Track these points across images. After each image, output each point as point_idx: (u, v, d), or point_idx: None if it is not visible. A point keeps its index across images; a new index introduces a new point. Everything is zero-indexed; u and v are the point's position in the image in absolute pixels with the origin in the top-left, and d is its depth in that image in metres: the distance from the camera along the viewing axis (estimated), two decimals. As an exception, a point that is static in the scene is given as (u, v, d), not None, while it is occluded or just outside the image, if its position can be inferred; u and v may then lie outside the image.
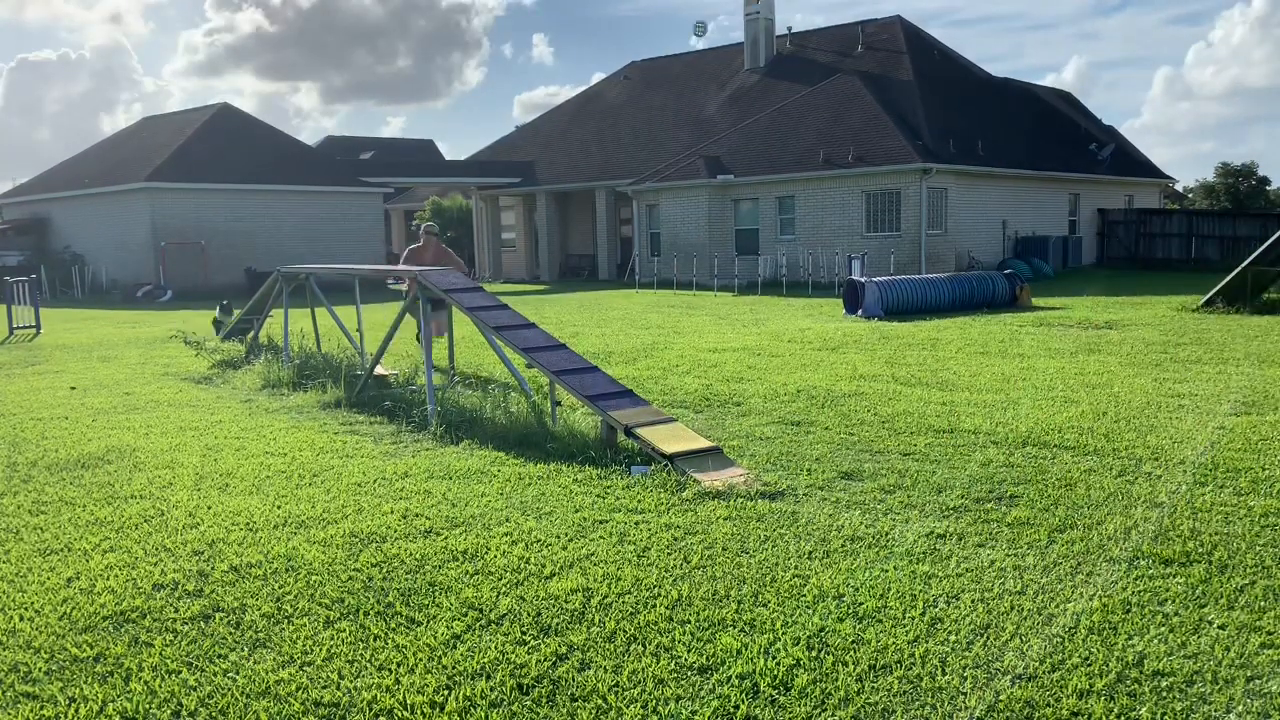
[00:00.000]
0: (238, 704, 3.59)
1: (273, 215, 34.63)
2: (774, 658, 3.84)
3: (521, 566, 4.89)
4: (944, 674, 3.71)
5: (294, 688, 3.70)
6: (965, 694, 3.56)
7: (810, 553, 5.01)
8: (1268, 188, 55.89)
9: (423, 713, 3.52)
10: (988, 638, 4.00)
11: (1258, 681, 3.61)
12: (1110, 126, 41.44)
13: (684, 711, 3.47)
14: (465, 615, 4.32)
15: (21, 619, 4.39)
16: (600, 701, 3.55)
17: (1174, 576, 4.61)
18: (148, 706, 3.59)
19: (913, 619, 4.18)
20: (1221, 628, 4.06)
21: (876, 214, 28.68)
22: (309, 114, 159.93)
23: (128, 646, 4.08)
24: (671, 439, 6.89)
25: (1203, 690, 3.56)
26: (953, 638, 4.01)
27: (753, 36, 38.02)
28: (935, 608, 4.30)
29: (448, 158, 53.61)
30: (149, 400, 10.30)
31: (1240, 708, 3.44)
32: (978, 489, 6.11)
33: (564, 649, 3.97)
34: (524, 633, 4.13)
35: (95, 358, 14.41)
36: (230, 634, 4.19)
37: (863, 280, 18.98)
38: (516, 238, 41.73)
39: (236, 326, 14.34)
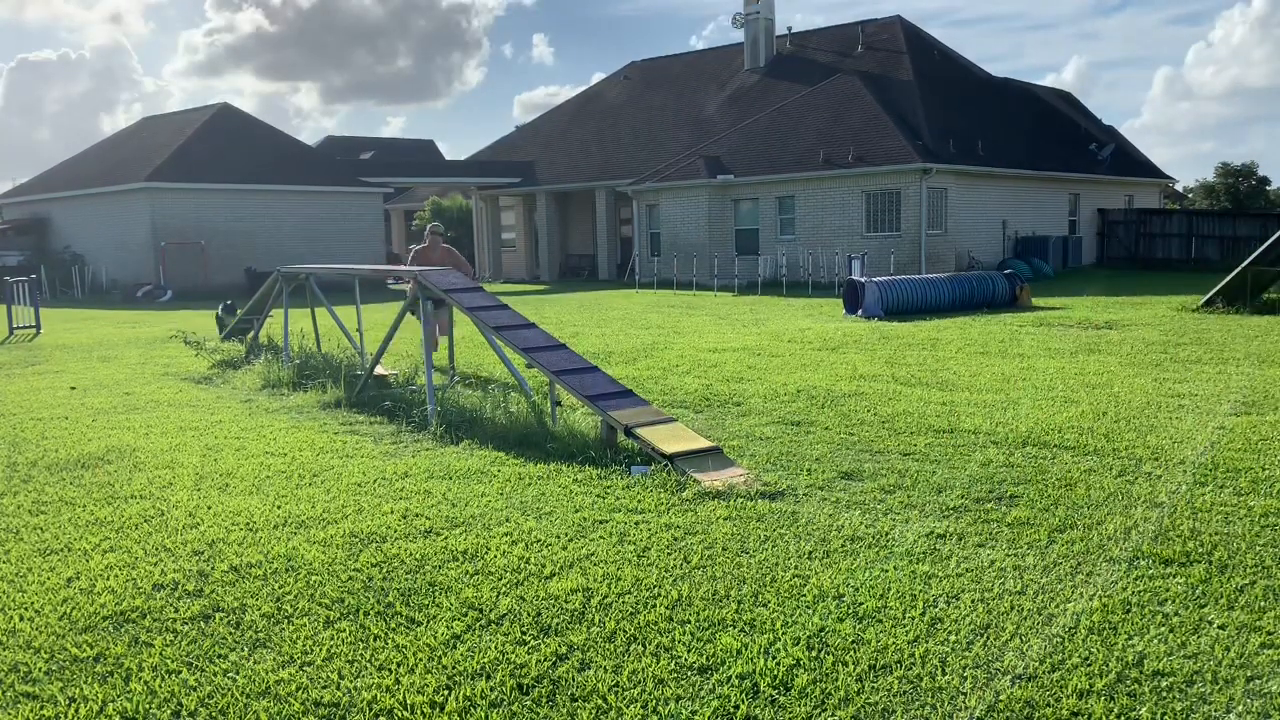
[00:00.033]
0: (238, 704, 3.59)
1: (273, 215, 34.63)
2: (774, 658, 3.84)
3: (521, 566, 4.89)
4: (944, 674, 3.71)
5: (294, 688, 3.70)
6: (965, 694, 3.56)
7: (810, 553, 5.01)
8: (1268, 188, 55.90)
9: (423, 713, 3.52)
10: (988, 638, 4.00)
11: (1258, 681, 3.61)
12: (1110, 126, 41.45)
13: (684, 711, 3.47)
14: (465, 615, 4.32)
15: (21, 619, 4.39)
16: (600, 701, 3.55)
17: (1174, 576, 4.61)
18: (148, 706, 3.59)
19: (913, 619, 4.18)
20: (1221, 628, 4.06)
21: (876, 214, 28.68)
22: (309, 114, 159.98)
23: (128, 646, 4.08)
24: (671, 439, 6.89)
25: (1203, 690, 3.56)
26: (953, 638, 4.01)
27: (753, 36, 38.02)
28: (935, 608, 4.30)
29: (448, 158, 53.63)
30: (149, 400, 10.30)
31: (1240, 708, 3.44)
32: (978, 489, 6.11)
33: (564, 649, 3.97)
34: (524, 633, 4.13)
35: (95, 358, 14.41)
36: (230, 634, 4.19)
37: (863, 280, 18.98)
38: (516, 238, 41.73)
39: (236, 326, 14.35)
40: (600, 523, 5.57)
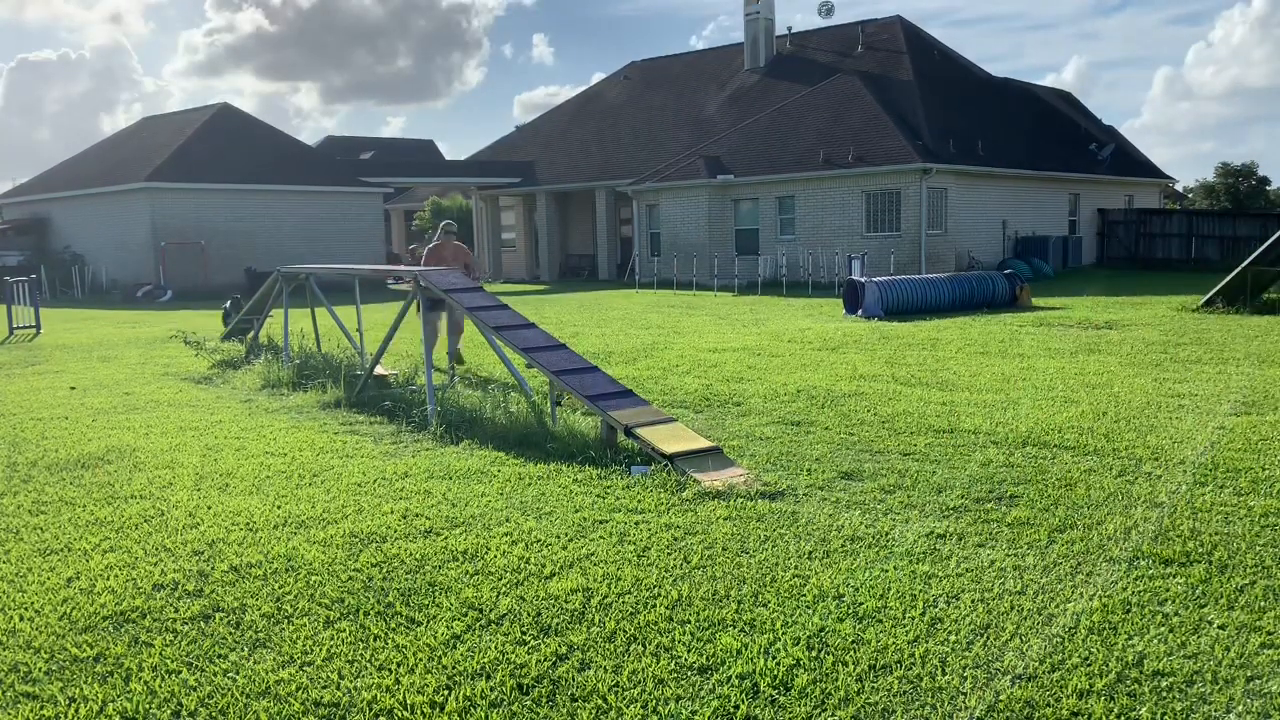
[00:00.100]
0: (238, 704, 3.59)
1: (273, 215, 34.63)
2: (774, 658, 3.84)
3: (521, 566, 4.89)
4: (944, 674, 3.71)
5: (294, 688, 3.70)
6: (965, 694, 3.56)
7: (810, 553, 5.01)
8: (1268, 188, 55.92)
9: (423, 713, 3.52)
10: (988, 638, 4.00)
11: (1258, 681, 3.61)
12: (1110, 126, 41.45)
13: (684, 711, 3.47)
14: (465, 615, 4.32)
15: (21, 619, 4.39)
16: (600, 701, 3.55)
17: (1174, 576, 4.61)
18: (148, 706, 3.59)
19: (913, 619, 4.18)
20: (1221, 628, 4.06)
21: (876, 214, 28.69)
22: (309, 114, 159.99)
23: (128, 646, 4.08)
24: (671, 439, 6.89)
25: (1203, 690, 3.56)
26: (953, 638, 4.01)
27: (753, 36, 38.01)
28: (935, 608, 4.30)
29: (448, 158, 53.63)
30: (149, 400, 10.30)
31: (1240, 708, 3.44)
32: (978, 489, 6.11)
33: (564, 649, 3.97)
34: (524, 633, 4.13)
35: (95, 358, 14.41)
36: (230, 634, 4.19)
37: (863, 280, 18.98)
38: (516, 238, 41.73)
39: (237, 326, 14.35)
40: (600, 523, 5.57)
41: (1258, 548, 4.97)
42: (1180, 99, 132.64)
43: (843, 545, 5.11)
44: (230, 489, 6.51)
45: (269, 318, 13.89)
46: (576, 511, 5.79)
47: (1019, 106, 35.73)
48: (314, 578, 4.79)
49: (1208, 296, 17.75)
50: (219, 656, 3.97)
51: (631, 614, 4.29)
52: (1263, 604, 4.29)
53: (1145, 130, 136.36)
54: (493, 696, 3.61)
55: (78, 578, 4.87)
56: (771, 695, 3.57)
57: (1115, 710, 3.43)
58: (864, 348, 13.41)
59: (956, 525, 5.41)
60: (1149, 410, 8.51)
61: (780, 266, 30.13)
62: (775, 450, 7.26)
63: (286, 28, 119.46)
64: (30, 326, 19.04)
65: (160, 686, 3.73)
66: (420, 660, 3.90)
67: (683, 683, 3.68)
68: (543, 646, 3.99)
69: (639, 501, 5.96)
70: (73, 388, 11.31)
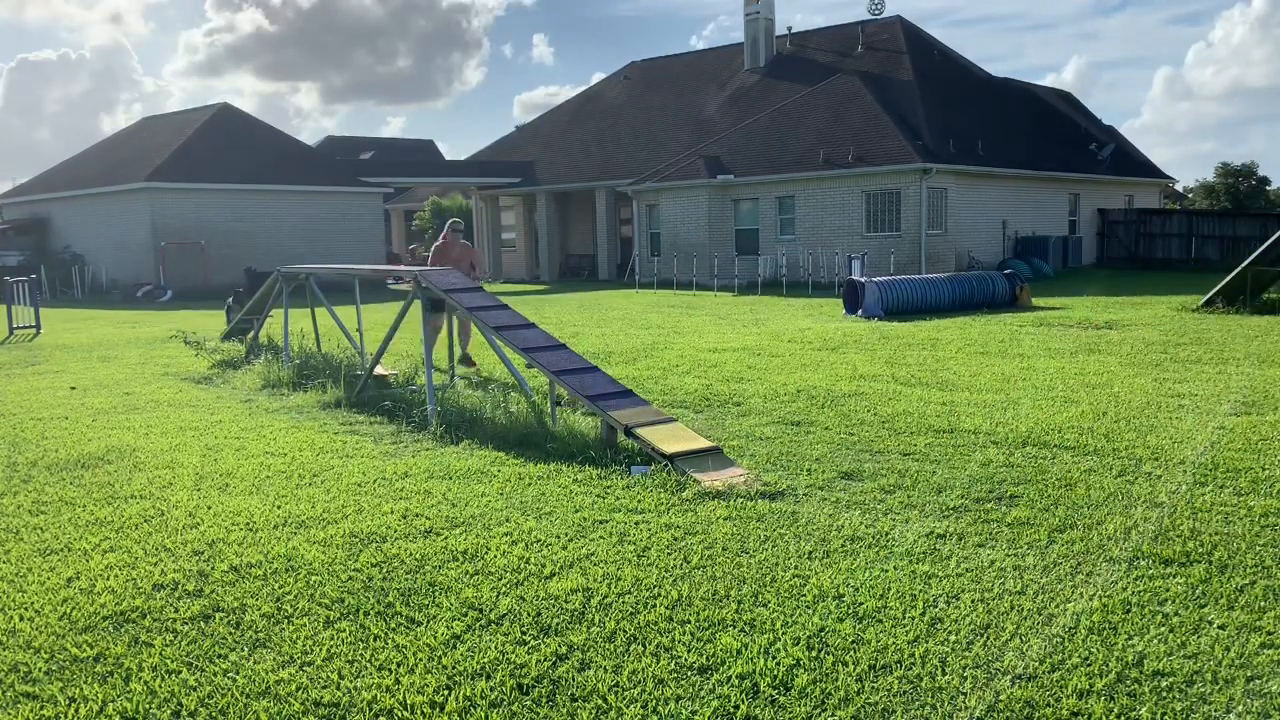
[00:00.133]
0: (238, 704, 3.59)
1: (273, 215, 34.63)
2: (774, 658, 3.83)
3: (521, 566, 4.89)
4: (944, 674, 3.71)
5: (294, 688, 3.70)
6: (965, 694, 3.56)
7: (810, 553, 5.01)
8: (1268, 188, 55.94)
9: (423, 713, 3.52)
10: (988, 638, 4.00)
11: (1258, 681, 3.61)
12: (1110, 126, 41.45)
13: (684, 711, 3.47)
14: (465, 615, 4.32)
15: (21, 619, 4.39)
16: (600, 701, 3.55)
17: (1174, 576, 4.61)
18: (148, 706, 3.59)
19: (913, 619, 4.18)
20: (1221, 628, 4.06)
21: (876, 214, 28.69)
22: (309, 114, 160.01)
23: (128, 646, 4.08)
24: (671, 439, 6.89)
25: (1203, 690, 3.56)
26: (953, 638, 4.01)
27: (753, 36, 38.02)
28: (935, 608, 4.30)
29: (448, 158, 53.64)
30: (149, 400, 10.30)
31: (1240, 708, 3.44)
32: (978, 489, 6.11)
33: (564, 649, 3.97)
34: (524, 633, 4.13)
35: (95, 358, 14.41)
36: (230, 634, 4.19)
37: (863, 280, 18.98)
38: (516, 238, 41.74)
39: (237, 326, 14.35)
40: (600, 523, 5.57)
41: (1258, 548, 4.97)
42: (1180, 99, 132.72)
43: (843, 545, 5.11)
44: (230, 489, 6.51)
45: (269, 318, 13.89)
46: (576, 511, 5.79)
47: (1019, 106, 35.73)
48: (314, 578, 4.79)
49: (1208, 296, 17.75)
50: (219, 656, 3.97)
51: (631, 614, 4.29)
52: (1263, 604, 4.29)
53: (1145, 130, 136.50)
54: (493, 696, 3.61)
55: (78, 578, 4.87)
56: (771, 695, 3.57)
57: (1115, 710, 3.43)
58: (864, 348, 13.41)
59: (956, 525, 5.41)
60: (1149, 410, 8.51)
61: (780, 266, 30.13)
62: (775, 450, 7.26)
63: (286, 28, 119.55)
64: (30, 326, 19.04)
65: (160, 686, 3.73)
66: (420, 660, 3.90)
67: (683, 683, 3.68)
68: (543, 646, 3.99)
69: (639, 501, 5.96)
70: (73, 388, 11.31)
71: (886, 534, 5.28)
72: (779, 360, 12.24)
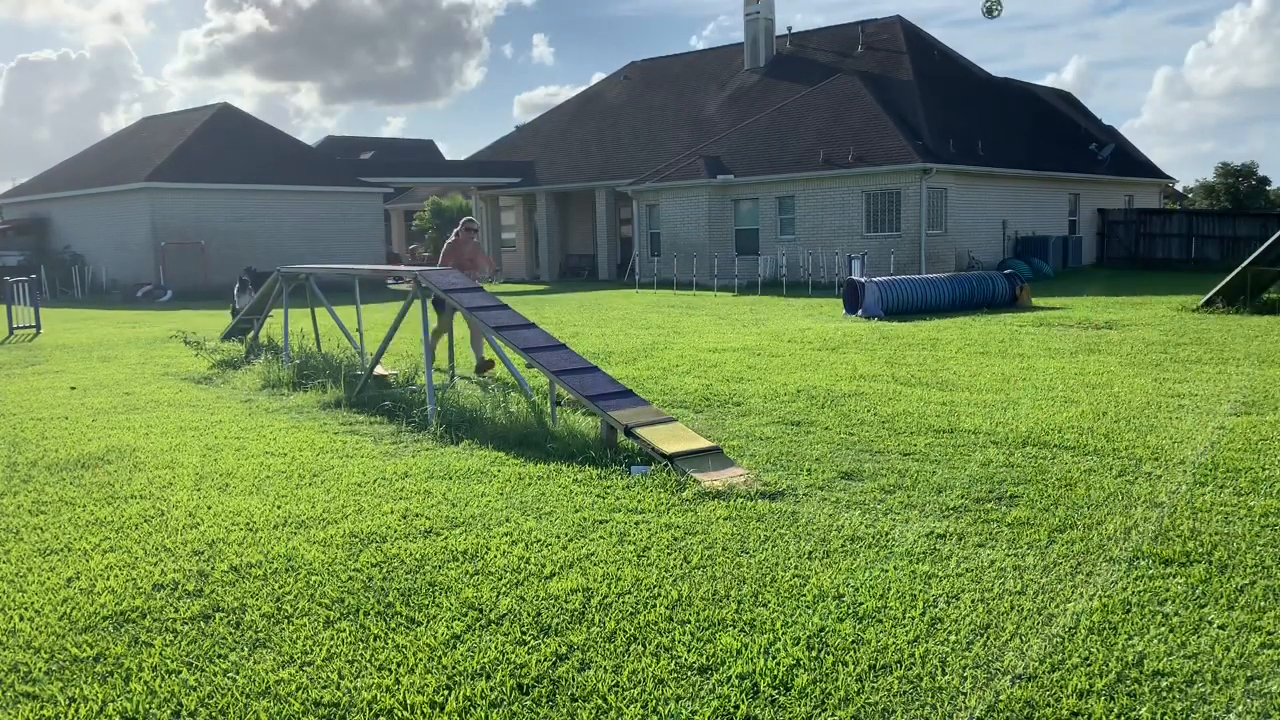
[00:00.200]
0: (238, 704, 3.59)
1: (273, 215, 34.64)
2: (774, 658, 3.83)
3: (521, 566, 4.89)
4: (944, 674, 3.71)
5: (294, 688, 3.70)
6: (965, 694, 3.56)
7: (810, 553, 5.01)
8: (1268, 188, 55.95)
9: (423, 713, 3.52)
10: (988, 638, 4.00)
11: (1258, 681, 3.61)
12: (1110, 126, 41.45)
13: (684, 711, 3.47)
14: (465, 615, 4.32)
15: (21, 619, 4.39)
16: (600, 701, 3.55)
17: (1174, 576, 4.61)
18: (148, 706, 3.59)
19: (913, 619, 4.18)
20: (1221, 628, 4.06)
21: (876, 214, 28.69)
22: (309, 114, 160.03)
23: (128, 646, 4.08)
24: (671, 439, 6.89)
25: (1203, 690, 3.56)
26: (953, 638, 4.01)
27: (753, 36, 38.02)
28: (935, 608, 4.30)
29: (448, 158, 53.64)
30: (149, 400, 10.30)
31: (1240, 708, 3.44)
32: (978, 489, 6.11)
33: (564, 649, 3.97)
34: (524, 633, 4.13)
35: (95, 358, 14.41)
36: (230, 634, 4.19)
37: (863, 280, 18.98)
38: (516, 238, 41.74)
39: (237, 326, 14.35)
40: (600, 523, 5.57)
41: (1258, 548, 4.97)
42: (1180, 99, 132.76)
43: (843, 545, 5.11)
44: (230, 489, 6.51)
45: (269, 318, 13.89)
46: (576, 511, 5.79)
47: (1019, 106, 35.73)
48: (314, 578, 4.79)
49: (1208, 296, 17.75)
50: (219, 656, 3.97)
51: (631, 614, 4.29)
52: (1263, 604, 4.29)
53: (1145, 130, 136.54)
54: (493, 696, 3.61)
55: (78, 578, 4.87)
56: (771, 695, 3.57)
57: (1115, 710, 3.43)
58: (864, 348, 13.41)
59: (956, 525, 5.41)
60: (1149, 410, 8.51)
61: (780, 266, 30.13)
62: (775, 450, 7.26)
63: (286, 28, 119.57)
64: (30, 326, 19.04)
65: (160, 686, 3.73)
66: (420, 660, 3.90)
67: (683, 683, 3.68)
68: (543, 646, 3.99)
69: (639, 501, 5.96)
70: (73, 388, 11.31)
71: (886, 534, 5.28)
72: (779, 360, 12.24)
